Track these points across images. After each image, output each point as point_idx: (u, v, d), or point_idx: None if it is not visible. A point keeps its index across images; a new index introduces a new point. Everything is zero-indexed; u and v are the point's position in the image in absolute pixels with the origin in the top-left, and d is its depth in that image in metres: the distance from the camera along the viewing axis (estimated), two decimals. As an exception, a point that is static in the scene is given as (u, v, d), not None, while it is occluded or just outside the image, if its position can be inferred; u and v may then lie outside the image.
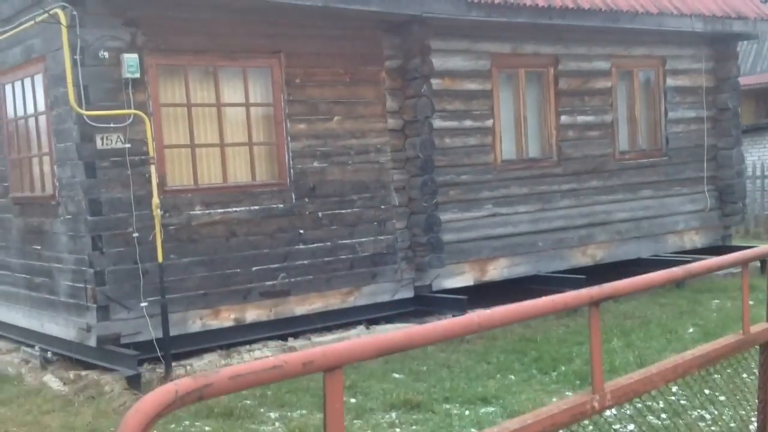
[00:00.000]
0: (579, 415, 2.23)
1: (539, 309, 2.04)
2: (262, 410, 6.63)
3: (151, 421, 1.23)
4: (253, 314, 8.54)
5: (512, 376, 7.27)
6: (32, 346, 8.96)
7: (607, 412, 2.93)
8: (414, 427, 6.06)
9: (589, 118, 11.32)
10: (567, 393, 6.59)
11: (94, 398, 7.28)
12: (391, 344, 1.61)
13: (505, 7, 9.69)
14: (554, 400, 5.94)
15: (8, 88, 9.23)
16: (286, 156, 8.80)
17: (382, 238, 9.42)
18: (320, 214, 8.99)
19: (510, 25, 10.08)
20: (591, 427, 2.67)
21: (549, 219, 10.89)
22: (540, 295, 2.17)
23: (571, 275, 10.48)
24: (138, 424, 1.22)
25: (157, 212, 7.69)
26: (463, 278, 10.11)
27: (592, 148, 11.33)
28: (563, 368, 7.37)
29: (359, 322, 9.22)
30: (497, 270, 10.43)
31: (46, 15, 7.67)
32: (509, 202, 10.50)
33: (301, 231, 8.85)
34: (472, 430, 5.78)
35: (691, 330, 8.70)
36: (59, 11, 7.52)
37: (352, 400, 6.72)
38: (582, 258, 11.24)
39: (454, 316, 9.26)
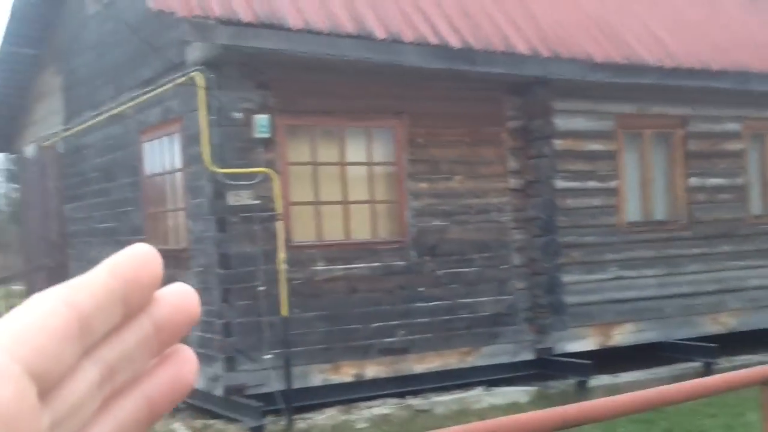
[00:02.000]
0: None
1: (712, 387, 1.99)
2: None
3: None
4: (372, 370, 8.57)
5: (639, 445, 6.97)
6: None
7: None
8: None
9: (720, 181, 10.94)
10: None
11: (218, 447, 7.44)
12: (569, 417, 1.59)
13: (630, 69, 9.59)
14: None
15: (146, 146, 9.78)
16: (407, 214, 8.90)
17: (502, 298, 9.32)
18: (440, 272, 9.00)
19: (635, 86, 9.94)
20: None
21: (677, 284, 10.50)
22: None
23: (701, 343, 10.03)
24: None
25: (283, 267, 7.90)
26: (586, 342, 9.83)
27: (723, 212, 10.92)
28: (694, 439, 7.02)
29: (479, 383, 9.09)
30: (622, 335, 10.10)
31: (184, 78, 8.13)
32: (635, 265, 10.21)
33: (421, 289, 8.88)
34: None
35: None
36: (197, 75, 7.96)
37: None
38: (712, 326, 10.74)
39: (578, 381, 9.06)
